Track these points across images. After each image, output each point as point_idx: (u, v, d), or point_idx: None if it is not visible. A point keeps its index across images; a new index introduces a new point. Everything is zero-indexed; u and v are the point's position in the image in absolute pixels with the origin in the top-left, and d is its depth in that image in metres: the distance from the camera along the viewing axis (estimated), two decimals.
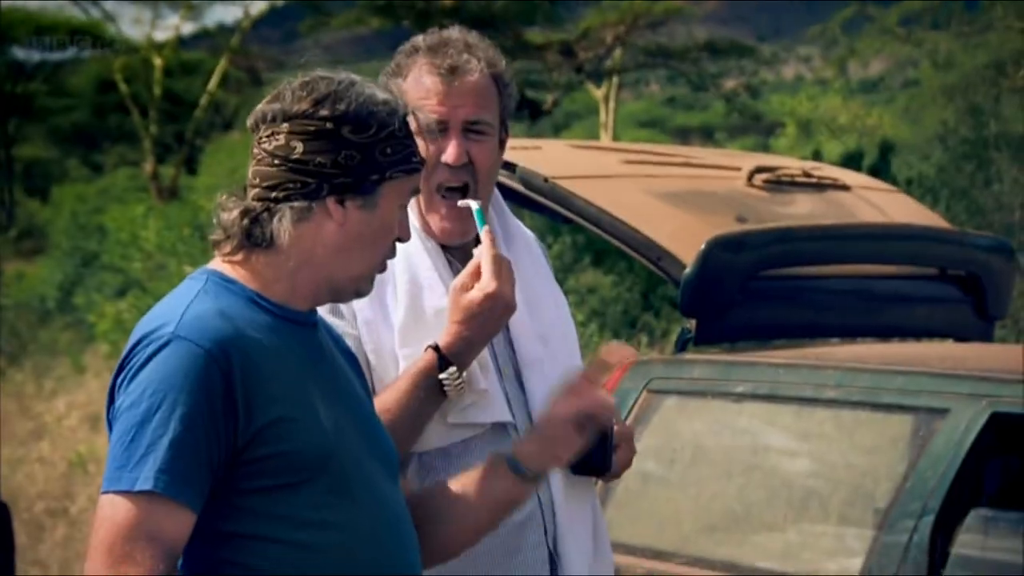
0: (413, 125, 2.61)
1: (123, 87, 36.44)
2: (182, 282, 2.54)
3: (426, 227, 3.01)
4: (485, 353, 2.92)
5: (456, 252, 3.02)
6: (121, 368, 2.43)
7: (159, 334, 2.39)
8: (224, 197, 2.54)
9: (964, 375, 3.91)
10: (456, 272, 2.95)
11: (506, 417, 2.94)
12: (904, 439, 3.95)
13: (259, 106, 2.54)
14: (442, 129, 2.93)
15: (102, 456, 10.08)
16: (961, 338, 4.83)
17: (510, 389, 2.98)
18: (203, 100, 34.71)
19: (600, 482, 3.15)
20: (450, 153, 2.94)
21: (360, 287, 2.58)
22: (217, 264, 2.53)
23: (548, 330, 3.03)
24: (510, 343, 3.01)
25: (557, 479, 2.95)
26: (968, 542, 3.67)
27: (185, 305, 2.44)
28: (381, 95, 2.52)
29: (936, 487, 3.73)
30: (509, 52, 21.11)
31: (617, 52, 27.66)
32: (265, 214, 2.49)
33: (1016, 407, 3.74)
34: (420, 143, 2.71)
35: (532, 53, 25.07)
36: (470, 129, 2.95)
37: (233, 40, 36.19)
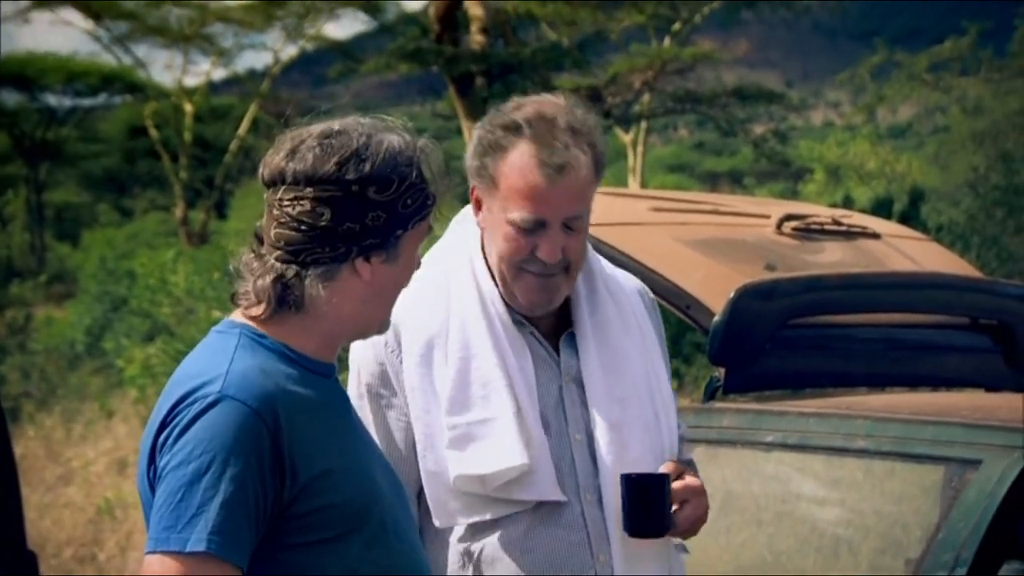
0: (511, 216, 2.73)
1: (153, 132, 36.72)
2: (211, 335, 2.54)
3: (505, 294, 2.95)
4: (535, 427, 2.87)
5: (538, 321, 2.97)
6: (164, 426, 2.41)
7: (204, 392, 2.39)
8: (249, 256, 2.53)
9: (997, 426, 3.88)
10: (528, 337, 2.93)
11: (551, 496, 2.87)
12: (936, 489, 3.92)
13: (274, 160, 2.50)
14: (541, 226, 2.88)
15: (130, 502, 10.08)
16: (992, 388, 4.79)
17: (579, 458, 2.91)
18: (233, 145, 34.93)
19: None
20: (546, 251, 2.88)
21: (381, 329, 2.60)
22: (244, 317, 2.53)
23: (629, 392, 2.95)
24: (585, 405, 2.95)
25: (617, 545, 2.89)
26: None
27: (227, 362, 2.43)
28: (397, 143, 2.51)
29: (969, 538, 3.69)
30: None
31: (645, 97, 27.73)
32: (295, 279, 2.48)
33: None
34: (513, 232, 2.83)
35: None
36: (568, 225, 2.89)
37: (263, 85, 36.46)
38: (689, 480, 2.89)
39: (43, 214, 42.10)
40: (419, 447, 2.91)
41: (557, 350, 2.97)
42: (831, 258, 4.69)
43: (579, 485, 2.90)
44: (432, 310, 2.95)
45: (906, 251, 4.90)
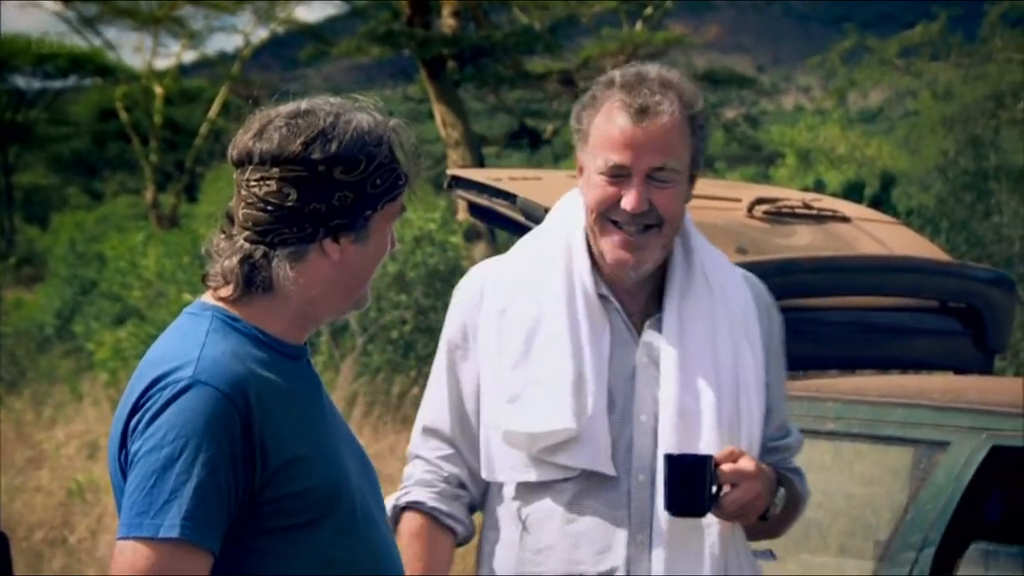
0: (597, 164, 2.71)
1: (123, 115, 36.54)
2: (182, 316, 2.52)
3: (597, 256, 2.97)
4: (592, 397, 2.90)
5: (627, 300, 2.99)
6: (135, 410, 2.40)
7: (176, 377, 2.38)
8: (219, 238, 2.52)
9: (965, 408, 3.91)
10: (613, 313, 2.96)
11: (597, 467, 2.90)
12: (904, 471, 3.95)
13: (242, 140, 2.49)
14: (626, 174, 2.90)
15: (100, 485, 10.05)
16: (961, 371, 4.82)
17: (638, 439, 2.92)
18: (203, 128, 34.78)
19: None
20: (629, 201, 2.90)
21: (359, 305, 2.58)
22: (216, 299, 2.51)
23: (706, 382, 2.94)
24: (657, 388, 2.96)
25: (659, 529, 2.89)
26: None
27: (199, 346, 2.42)
28: (366, 123, 2.49)
29: (936, 520, 3.72)
30: (509, 81, 21.10)
31: None
32: (263, 260, 2.47)
33: (1017, 440, 3.73)
34: (601, 180, 2.85)
35: (532, 82, 25.10)
36: (653, 176, 2.91)
37: (234, 68, 36.30)
38: (742, 464, 2.86)
39: (12, 197, 41.85)
40: (482, 398, 2.99)
41: (642, 331, 2.99)
42: (802, 241, 4.71)
43: (632, 465, 2.91)
44: (519, 274, 3.01)
45: (876, 234, 4.92)
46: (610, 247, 2.94)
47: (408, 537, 3.04)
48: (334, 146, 2.46)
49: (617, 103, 2.91)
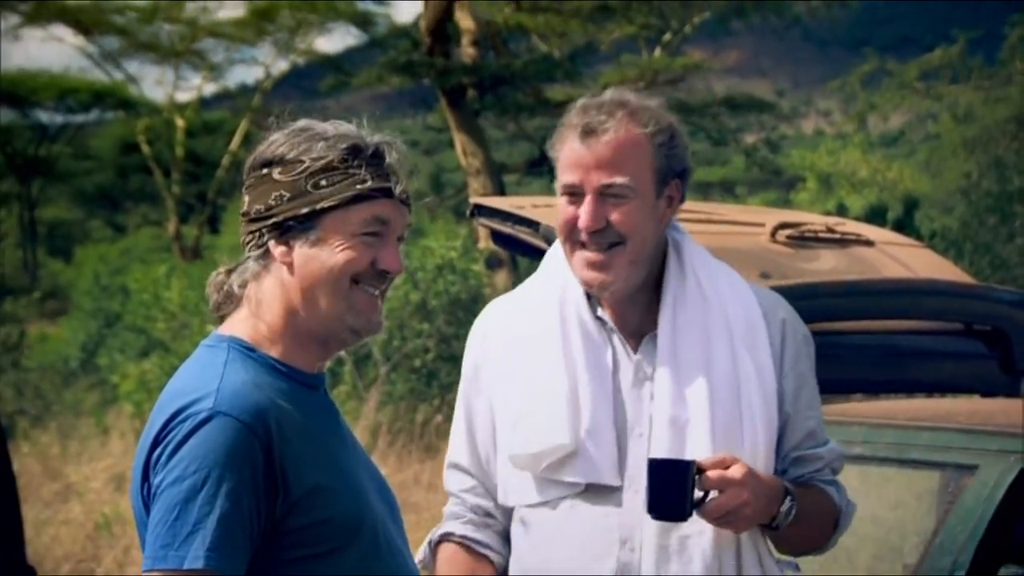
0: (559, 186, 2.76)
1: (145, 148, 36.68)
2: (199, 349, 2.54)
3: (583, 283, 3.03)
4: (588, 412, 2.96)
5: (623, 323, 3.04)
6: (157, 443, 2.41)
7: (196, 409, 2.38)
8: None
9: (992, 431, 3.89)
10: (610, 334, 3.02)
11: (598, 479, 2.95)
12: (932, 495, 3.93)
13: None
14: (579, 192, 2.97)
15: (127, 518, 10.06)
16: (987, 393, 4.80)
17: (634, 451, 2.97)
18: (225, 160, 34.89)
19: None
20: (582, 218, 2.96)
21: (343, 333, 2.53)
22: (233, 329, 2.54)
23: (700, 394, 2.97)
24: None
25: (650, 537, 2.93)
26: None
27: (219, 377, 2.43)
28: (331, 132, 2.51)
29: (965, 543, 3.70)
30: (528, 109, 21.07)
31: None
32: (234, 275, 2.55)
33: None
34: (562, 201, 2.92)
35: (552, 110, 25.10)
36: (606, 193, 2.96)
37: (254, 100, 36.42)
38: (730, 471, 2.86)
39: (36, 231, 42.05)
40: (497, 429, 3.07)
41: (638, 349, 3.04)
42: (825, 266, 4.70)
43: (627, 476, 2.96)
44: (521, 305, 3.11)
45: (900, 258, 4.91)
46: (579, 267, 3.01)
47: (444, 566, 3.10)
48: (274, 148, 2.51)
49: (570, 126, 2.99)
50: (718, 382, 2.98)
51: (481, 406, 3.10)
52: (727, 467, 2.87)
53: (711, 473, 2.85)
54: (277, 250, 2.50)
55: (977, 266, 16.17)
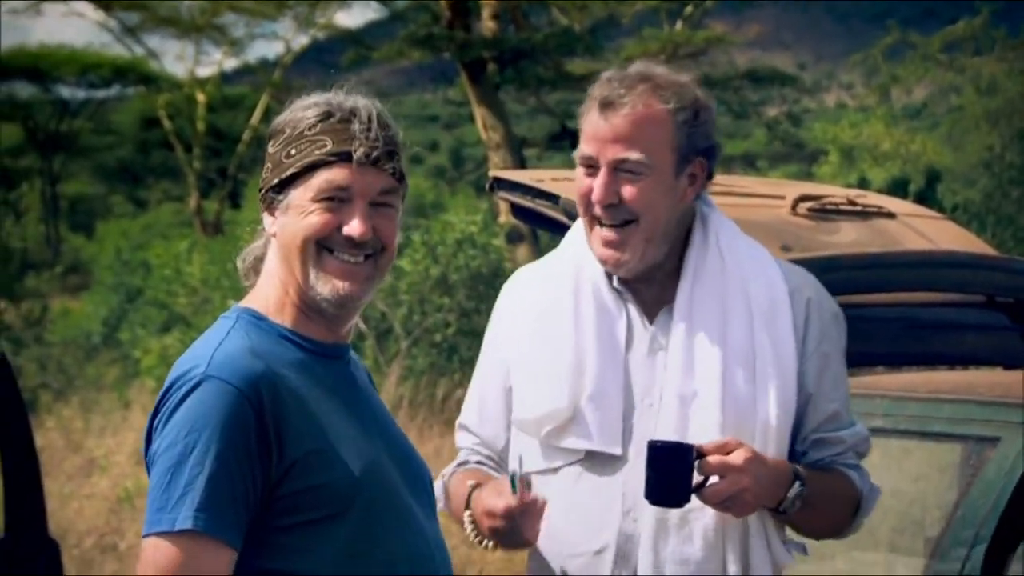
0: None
1: (167, 123, 36.74)
2: (216, 321, 2.57)
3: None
4: (591, 379, 2.95)
5: (641, 293, 3.02)
6: (157, 411, 2.45)
7: (192, 375, 2.41)
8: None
9: (1014, 403, 3.88)
10: (628, 306, 3.00)
11: (597, 446, 2.95)
12: (954, 468, 3.92)
13: None
14: (596, 165, 2.96)
15: None
16: (1009, 366, 4.79)
17: (641, 422, 2.95)
18: (246, 135, 34.92)
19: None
20: (595, 191, 2.95)
21: (317, 301, 2.52)
22: (249, 302, 2.56)
23: (711, 367, 2.95)
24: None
25: (651, 508, 2.91)
26: (1021, 571, 3.64)
27: (217, 344, 2.45)
28: (312, 101, 2.53)
29: (988, 516, 3.69)
30: (550, 83, 21.04)
31: None
32: (253, 249, 2.61)
33: None
34: (580, 172, 2.91)
35: (573, 84, 25.06)
36: (620, 168, 2.94)
37: (275, 75, 36.43)
38: (732, 457, 2.84)
39: (58, 206, 42.16)
40: (513, 395, 3.07)
41: (655, 322, 3.02)
42: (846, 238, 4.68)
43: (632, 446, 2.94)
44: (541, 275, 3.12)
45: (922, 230, 4.89)
46: (595, 245, 3.00)
47: (456, 485, 3.08)
48: (274, 122, 2.55)
49: (592, 98, 2.99)
50: (732, 357, 2.96)
51: (494, 371, 3.11)
52: (729, 451, 2.84)
53: (711, 459, 2.83)
54: (267, 221, 2.55)
55: (1000, 238, 16.12)
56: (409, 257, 14.85)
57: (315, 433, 2.43)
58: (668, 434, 2.91)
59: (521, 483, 2.75)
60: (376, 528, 2.46)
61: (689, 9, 29.16)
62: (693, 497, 2.85)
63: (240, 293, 2.62)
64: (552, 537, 2.96)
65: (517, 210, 4.67)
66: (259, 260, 2.59)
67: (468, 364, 14.67)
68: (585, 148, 2.97)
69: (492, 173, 4.74)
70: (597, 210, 2.96)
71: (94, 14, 38.98)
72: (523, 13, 23.76)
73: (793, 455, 3.02)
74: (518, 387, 3.05)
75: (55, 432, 13.31)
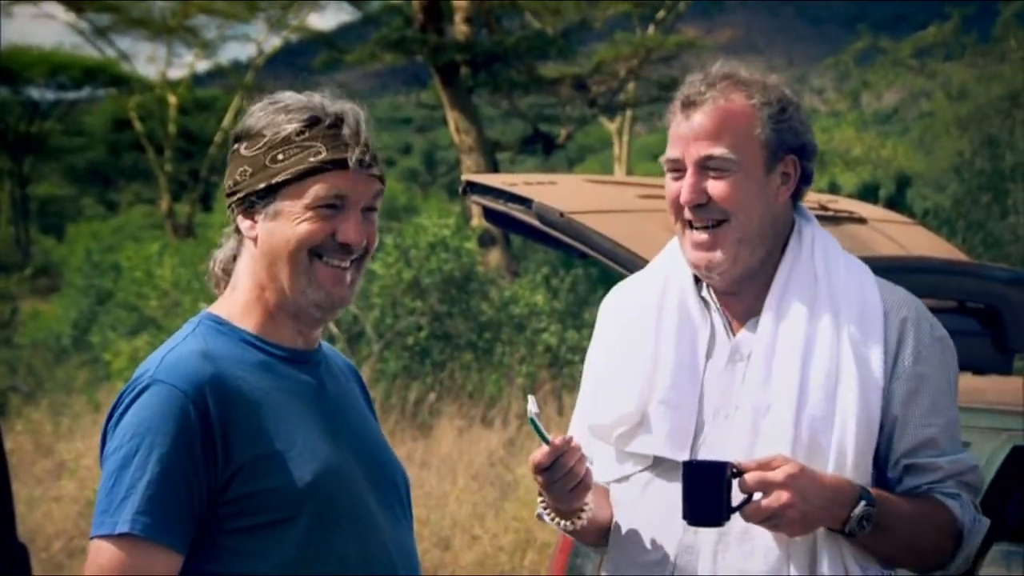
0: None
1: (138, 125, 36.60)
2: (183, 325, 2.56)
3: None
4: (664, 386, 2.89)
5: (731, 304, 2.95)
6: (111, 415, 2.45)
7: (141, 379, 2.41)
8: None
9: (984, 408, 3.89)
10: (714, 315, 2.94)
11: (663, 452, 2.88)
12: None
13: None
14: (682, 167, 2.88)
15: None
16: (980, 371, 4.81)
17: (714, 433, 2.88)
18: (217, 137, 34.82)
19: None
20: (683, 192, 2.87)
21: (308, 307, 2.52)
22: (217, 305, 2.56)
23: (790, 381, 2.84)
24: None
25: (709, 528, 2.82)
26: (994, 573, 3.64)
27: (169, 348, 2.45)
28: (293, 104, 2.50)
29: None
30: (522, 87, 21.06)
31: (630, 86, 27.72)
32: (221, 253, 2.59)
33: None
34: (668, 178, 2.83)
35: (545, 87, 25.11)
36: (707, 166, 2.86)
37: (247, 77, 36.35)
38: (771, 473, 2.72)
39: (28, 208, 41.94)
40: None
41: (740, 333, 2.94)
42: None
43: (702, 456, 2.85)
44: (637, 284, 3.07)
45: (892, 235, 4.91)
46: (687, 249, 2.92)
47: None
48: (244, 123, 2.52)
49: (676, 100, 2.92)
50: (814, 372, 2.85)
51: (588, 378, 3.09)
52: (773, 468, 2.74)
53: (749, 475, 2.73)
54: (244, 225, 2.52)
55: (970, 244, 16.17)
56: (382, 260, 14.82)
57: (265, 437, 2.42)
58: (739, 446, 2.83)
59: (541, 424, 2.70)
60: (330, 533, 2.44)
61: (661, 13, 29.22)
62: None
63: (210, 296, 2.61)
64: (621, 546, 2.93)
65: (490, 214, 4.67)
66: (227, 263, 2.57)
67: (440, 367, 14.65)
68: (669, 151, 2.89)
69: (465, 177, 4.73)
70: (687, 213, 2.88)
71: (65, 15, 38.92)
72: (496, 17, 23.78)
73: (886, 481, 2.89)
74: (594, 392, 3.01)
75: (24, 435, 13.23)
